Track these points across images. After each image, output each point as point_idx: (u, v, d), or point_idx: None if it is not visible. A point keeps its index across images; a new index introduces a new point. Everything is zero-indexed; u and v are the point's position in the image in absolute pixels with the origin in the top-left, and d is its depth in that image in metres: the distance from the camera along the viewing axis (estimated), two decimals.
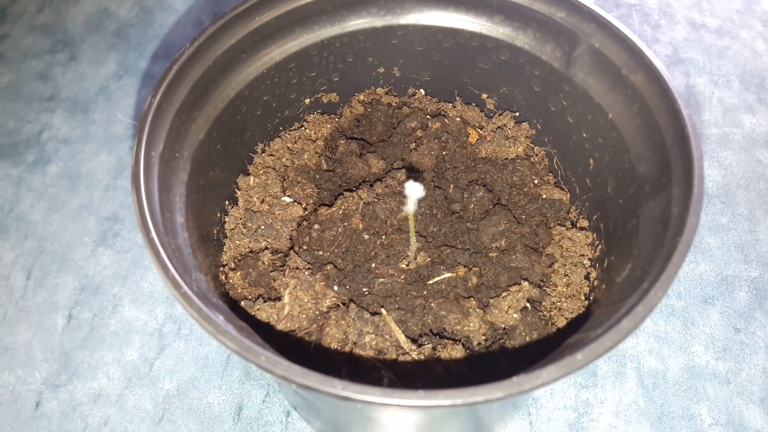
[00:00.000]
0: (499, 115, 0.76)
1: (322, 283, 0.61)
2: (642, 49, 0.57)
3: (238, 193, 0.69)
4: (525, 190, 0.70)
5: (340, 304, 0.61)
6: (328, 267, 0.63)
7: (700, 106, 1.05)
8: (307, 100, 0.75)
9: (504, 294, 0.61)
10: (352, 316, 0.59)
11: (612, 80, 0.61)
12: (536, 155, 0.74)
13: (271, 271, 0.63)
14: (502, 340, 0.60)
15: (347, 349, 0.58)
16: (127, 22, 1.15)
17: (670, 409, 0.75)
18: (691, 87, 1.07)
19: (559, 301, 0.63)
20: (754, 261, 0.88)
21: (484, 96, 0.76)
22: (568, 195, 0.71)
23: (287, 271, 0.62)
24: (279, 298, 0.61)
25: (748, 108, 1.05)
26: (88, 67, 1.07)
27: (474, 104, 0.78)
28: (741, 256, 0.88)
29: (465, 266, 0.63)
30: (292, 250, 0.65)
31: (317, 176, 0.72)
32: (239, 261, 0.64)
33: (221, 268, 0.64)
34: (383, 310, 0.59)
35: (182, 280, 0.46)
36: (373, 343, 0.58)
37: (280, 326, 0.59)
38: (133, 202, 0.49)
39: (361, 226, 0.65)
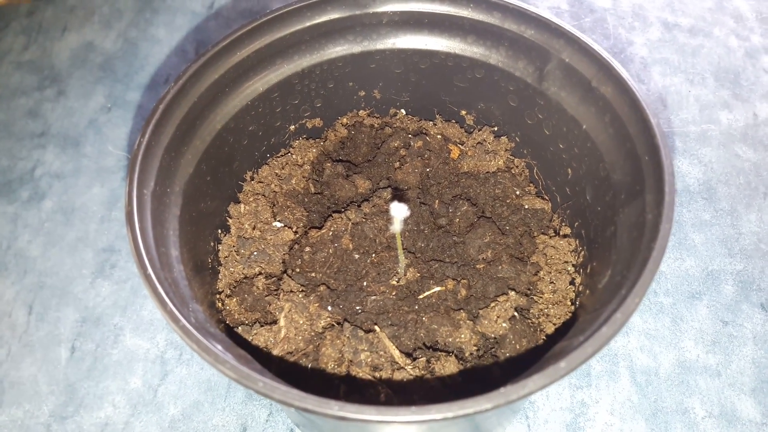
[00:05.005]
0: (479, 131, 0.78)
1: (316, 305, 0.63)
2: (610, 61, 0.60)
3: (230, 221, 0.71)
4: (507, 201, 0.72)
5: (335, 323, 0.62)
6: (321, 288, 0.65)
7: (677, 105, 1.07)
8: (292, 127, 0.77)
9: (492, 304, 0.63)
10: (347, 335, 0.61)
11: (583, 93, 0.63)
12: (516, 167, 0.76)
13: (266, 296, 0.65)
14: (493, 349, 0.62)
15: (344, 367, 0.60)
16: (113, 55, 1.17)
17: (664, 404, 0.77)
18: (667, 86, 1.10)
19: (546, 308, 0.65)
20: (738, 254, 0.90)
21: (463, 113, 0.79)
22: (550, 204, 0.73)
23: (281, 295, 0.64)
24: (275, 322, 0.62)
25: (724, 104, 1.07)
26: (76, 101, 1.09)
27: (454, 121, 0.80)
28: (725, 251, 0.90)
29: (453, 279, 0.65)
30: (285, 274, 0.66)
31: (306, 200, 0.74)
32: (234, 287, 0.66)
33: (217, 296, 0.66)
34: (377, 327, 0.61)
35: (180, 314, 0.48)
36: (369, 360, 0.59)
37: (277, 349, 0.60)
38: (128, 240, 0.51)
39: (350, 246, 0.67)
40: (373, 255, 0.67)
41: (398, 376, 0.59)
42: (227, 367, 0.45)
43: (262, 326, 0.62)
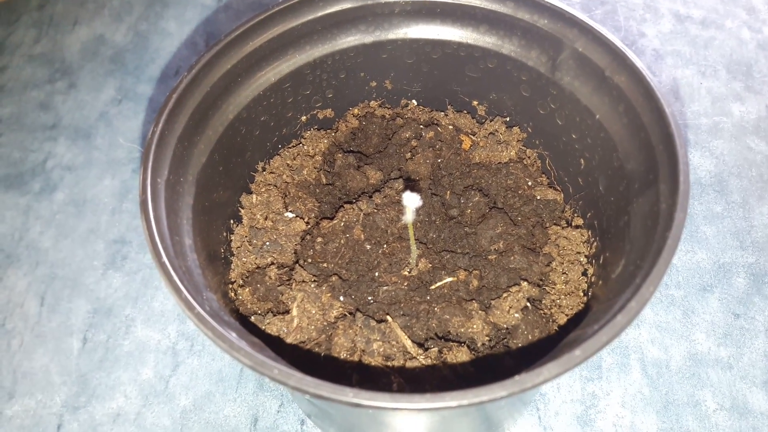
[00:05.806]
0: (491, 121, 0.78)
1: (328, 294, 0.63)
2: (624, 51, 0.59)
3: (242, 211, 0.71)
4: (519, 192, 0.72)
5: (347, 313, 0.63)
6: (333, 278, 0.65)
7: (689, 97, 1.06)
8: (304, 118, 0.77)
9: (505, 295, 0.63)
10: (359, 325, 0.61)
11: (597, 82, 0.63)
12: (528, 158, 0.76)
13: (279, 286, 0.65)
14: (505, 340, 0.62)
15: (356, 356, 0.60)
16: (123, 48, 1.17)
17: (675, 396, 0.77)
18: (679, 79, 1.09)
19: (559, 299, 0.65)
20: (749, 247, 0.89)
21: (475, 103, 0.78)
22: (562, 195, 0.73)
23: (294, 285, 0.64)
24: (287, 312, 0.63)
25: (736, 96, 1.06)
26: (87, 94, 1.10)
27: (465, 111, 0.80)
28: (737, 243, 0.90)
29: (465, 270, 0.65)
30: (297, 264, 0.67)
31: (317, 190, 0.74)
32: (247, 277, 0.66)
33: (230, 285, 0.66)
34: (389, 317, 0.61)
35: (195, 301, 0.48)
36: (381, 349, 0.59)
37: (290, 339, 0.61)
38: (143, 228, 0.51)
39: (362, 236, 0.67)
40: (385, 246, 0.67)
41: (410, 365, 0.59)
42: (242, 354, 0.45)
43: (274, 316, 0.62)
